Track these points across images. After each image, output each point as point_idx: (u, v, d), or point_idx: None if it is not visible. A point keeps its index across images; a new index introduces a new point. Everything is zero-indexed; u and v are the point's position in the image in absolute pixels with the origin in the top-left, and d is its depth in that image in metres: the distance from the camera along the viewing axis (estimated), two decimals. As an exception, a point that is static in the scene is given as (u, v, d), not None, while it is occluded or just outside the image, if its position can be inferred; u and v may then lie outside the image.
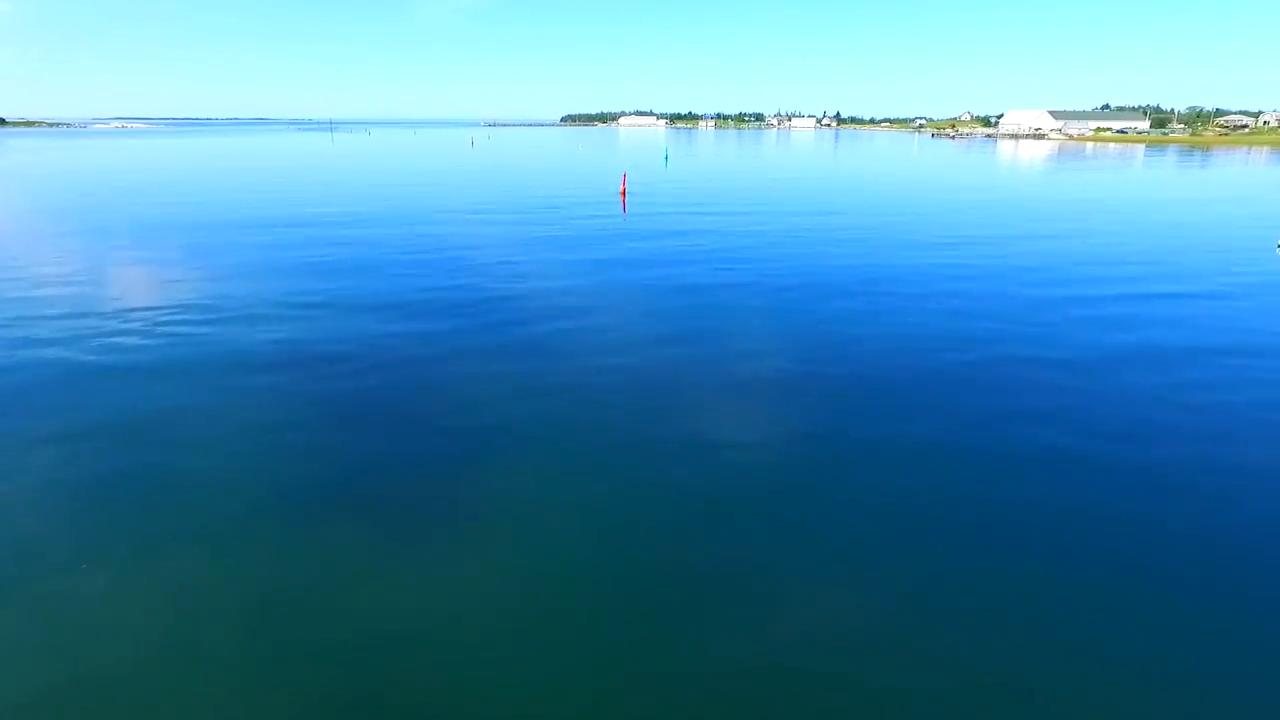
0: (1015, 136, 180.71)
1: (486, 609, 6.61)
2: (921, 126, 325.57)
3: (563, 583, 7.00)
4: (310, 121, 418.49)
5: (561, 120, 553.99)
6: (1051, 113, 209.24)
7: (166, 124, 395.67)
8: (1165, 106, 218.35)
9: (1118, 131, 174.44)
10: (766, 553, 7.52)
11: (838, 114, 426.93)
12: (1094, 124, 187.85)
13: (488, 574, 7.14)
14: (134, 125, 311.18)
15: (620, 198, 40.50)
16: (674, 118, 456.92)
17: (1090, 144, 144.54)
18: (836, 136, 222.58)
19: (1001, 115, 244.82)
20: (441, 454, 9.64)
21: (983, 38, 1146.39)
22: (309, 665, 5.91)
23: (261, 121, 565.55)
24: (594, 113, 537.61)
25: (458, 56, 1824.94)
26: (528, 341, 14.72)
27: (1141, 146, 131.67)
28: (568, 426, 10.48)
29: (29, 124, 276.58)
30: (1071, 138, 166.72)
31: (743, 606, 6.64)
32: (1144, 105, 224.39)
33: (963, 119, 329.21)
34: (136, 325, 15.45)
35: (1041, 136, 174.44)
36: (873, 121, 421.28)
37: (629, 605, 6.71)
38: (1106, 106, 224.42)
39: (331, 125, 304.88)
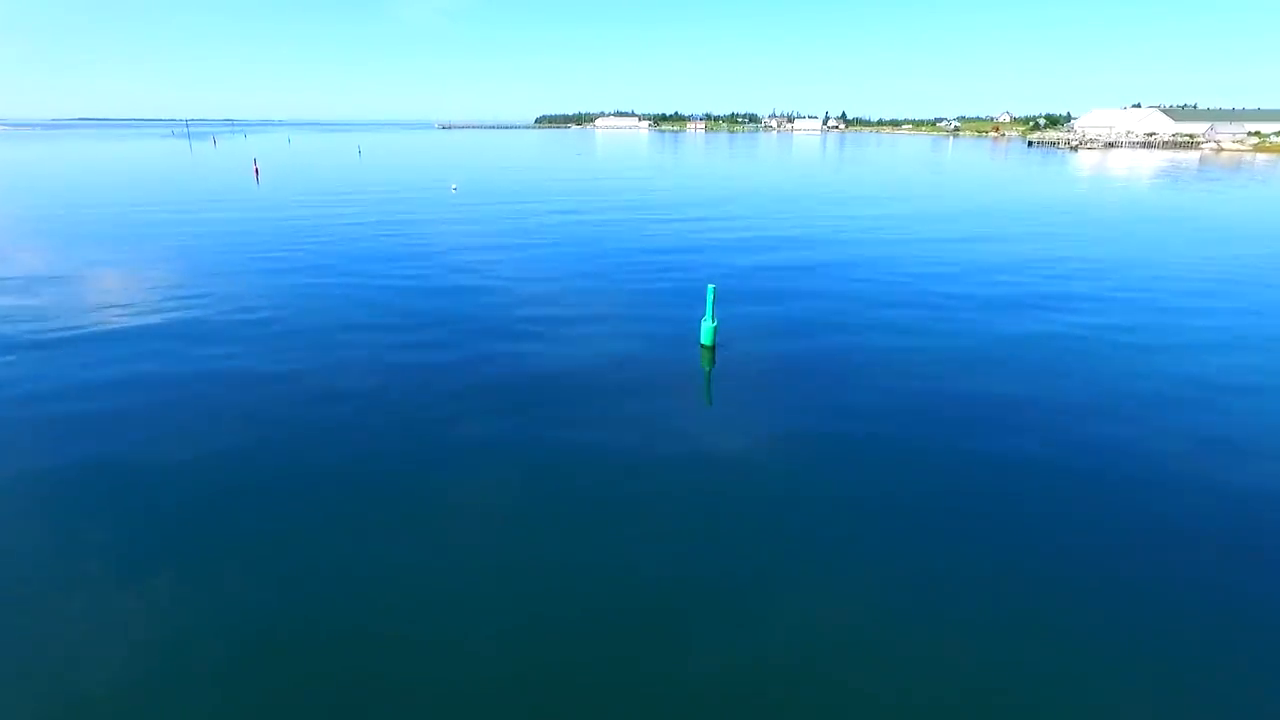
0: (1149, 145, 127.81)
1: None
2: (958, 129, 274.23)
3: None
4: (211, 122, 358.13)
5: (536, 122, 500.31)
6: (1167, 111, 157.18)
7: (69, 125, 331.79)
8: (1202, 105, 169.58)
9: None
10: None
11: (843, 114, 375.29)
12: (1250, 126, 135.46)
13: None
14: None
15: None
16: (658, 119, 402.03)
17: (1256, 155, 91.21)
18: (842, 141, 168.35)
19: (1074, 116, 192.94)
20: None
21: (986, 37, 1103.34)
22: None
23: (229, 122, 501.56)
24: (570, 113, 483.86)
25: (439, 57, 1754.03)
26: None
27: None
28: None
29: None
30: (1252, 146, 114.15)
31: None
32: (1177, 105, 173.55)
33: (1000, 119, 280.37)
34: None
35: (1190, 145, 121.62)
36: (881, 123, 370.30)
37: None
38: (1138, 104, 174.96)
39: (188, 128, 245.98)
